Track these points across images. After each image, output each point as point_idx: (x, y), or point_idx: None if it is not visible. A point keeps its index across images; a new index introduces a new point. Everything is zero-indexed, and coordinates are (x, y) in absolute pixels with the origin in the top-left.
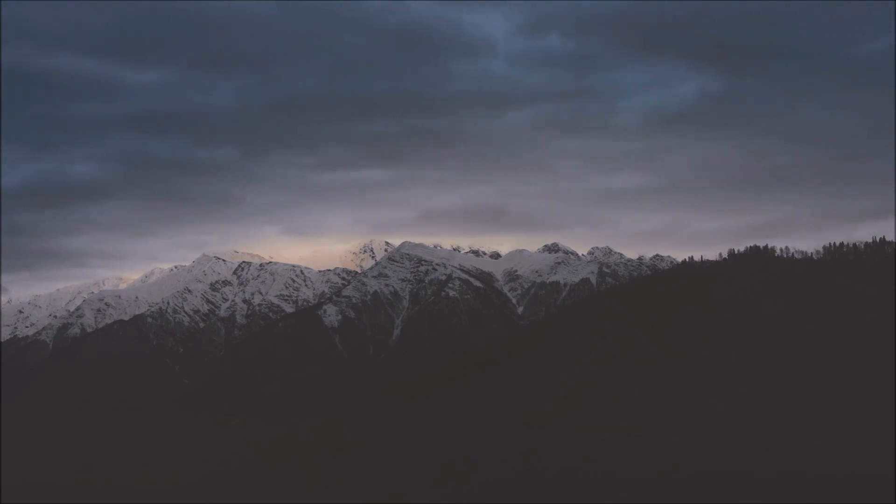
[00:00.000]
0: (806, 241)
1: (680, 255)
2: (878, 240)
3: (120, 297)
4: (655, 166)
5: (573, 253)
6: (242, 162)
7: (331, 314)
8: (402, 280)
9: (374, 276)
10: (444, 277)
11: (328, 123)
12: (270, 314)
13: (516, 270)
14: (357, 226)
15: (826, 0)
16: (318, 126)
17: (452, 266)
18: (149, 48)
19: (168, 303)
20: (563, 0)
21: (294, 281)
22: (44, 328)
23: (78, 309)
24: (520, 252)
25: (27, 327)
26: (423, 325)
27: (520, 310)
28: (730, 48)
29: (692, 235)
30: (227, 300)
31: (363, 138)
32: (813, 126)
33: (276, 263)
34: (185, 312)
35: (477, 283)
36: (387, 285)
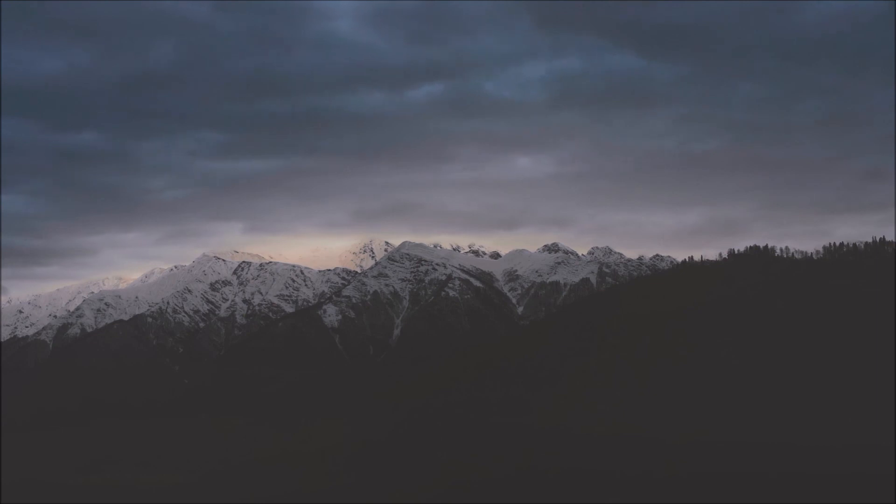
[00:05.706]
0: (806, 241)
1: (680, 255)
2: (878, 240)
3: (120, 297)
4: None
5: (573, 253)
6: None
7: (331, 314)
8: (402, 280)
9: (374, 276)
10: (444, 277)
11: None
12: (270, 314)
13: (516, 270)
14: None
15: None
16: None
17: (452, 266)
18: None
19: (168, 303)
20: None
21: (294, 281)
22: (44, 328)
23: (78, 309)
24: (520, 252)
25: (27, 327)
26: (423, 325)
27: (520, 310)
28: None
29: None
30: (227, 300)
31: None
32: None
33: (275, 263)
34: (185, 312)
35: (477, 283)
36: (387, 285)
